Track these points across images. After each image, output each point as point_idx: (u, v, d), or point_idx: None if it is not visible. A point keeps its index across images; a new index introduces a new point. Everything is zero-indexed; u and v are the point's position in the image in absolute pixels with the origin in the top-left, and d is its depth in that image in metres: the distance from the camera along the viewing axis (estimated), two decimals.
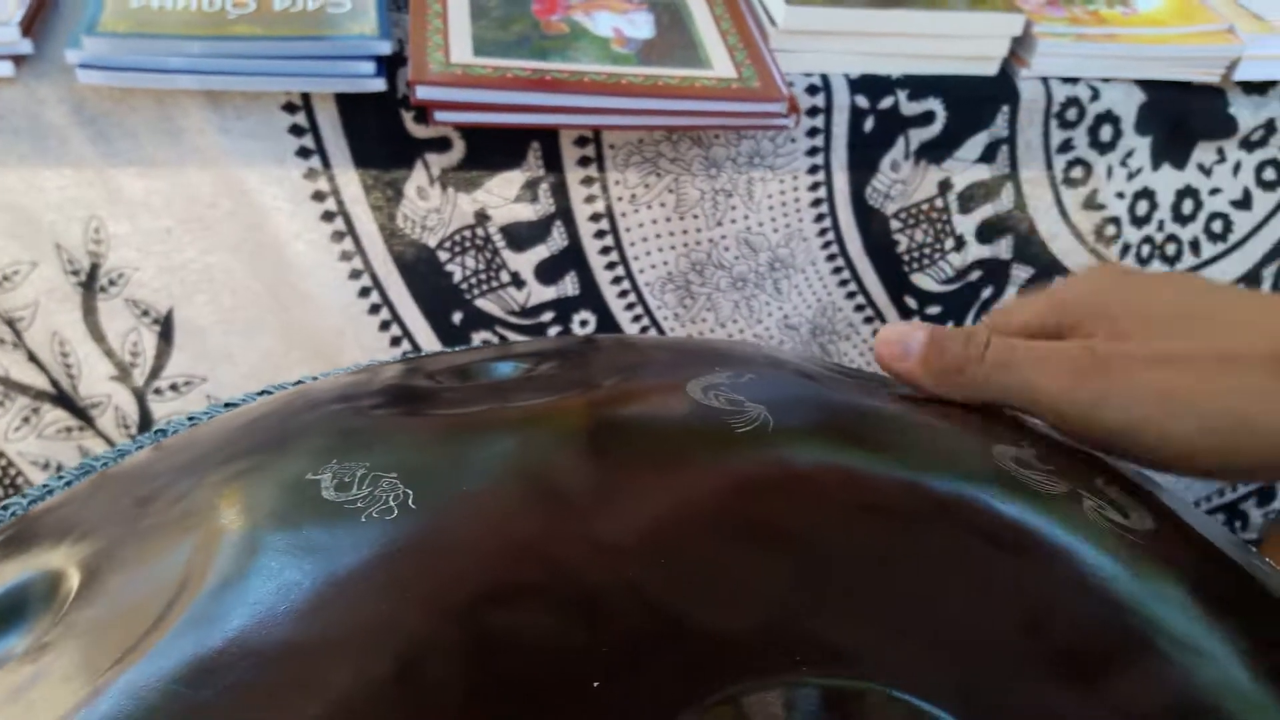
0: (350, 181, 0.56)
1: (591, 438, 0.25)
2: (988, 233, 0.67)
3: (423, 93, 0.50)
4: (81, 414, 0.61)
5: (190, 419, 0.32)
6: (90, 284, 0.56)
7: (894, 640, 0.18)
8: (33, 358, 0.59)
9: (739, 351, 0.33)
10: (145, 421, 0.61)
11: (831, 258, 0.66)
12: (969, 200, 0.66)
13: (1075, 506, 0.24)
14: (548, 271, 0.62)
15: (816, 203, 0.64)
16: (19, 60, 0.49)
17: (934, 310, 0.68)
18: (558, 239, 0.61)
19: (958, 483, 0.24)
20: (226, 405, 0.33)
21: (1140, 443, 0.27)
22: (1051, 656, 0.18)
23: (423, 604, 0.19)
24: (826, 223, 0.65)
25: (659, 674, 0.17)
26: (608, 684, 0.17)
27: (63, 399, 0.61)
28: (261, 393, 0.34)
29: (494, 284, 0.62)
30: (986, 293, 0.70)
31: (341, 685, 0.17)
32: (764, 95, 0.54)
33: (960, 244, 0.67)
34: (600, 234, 0.62)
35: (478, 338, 0.65)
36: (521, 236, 0.61)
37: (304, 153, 0.55)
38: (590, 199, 0.60)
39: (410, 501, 0.22)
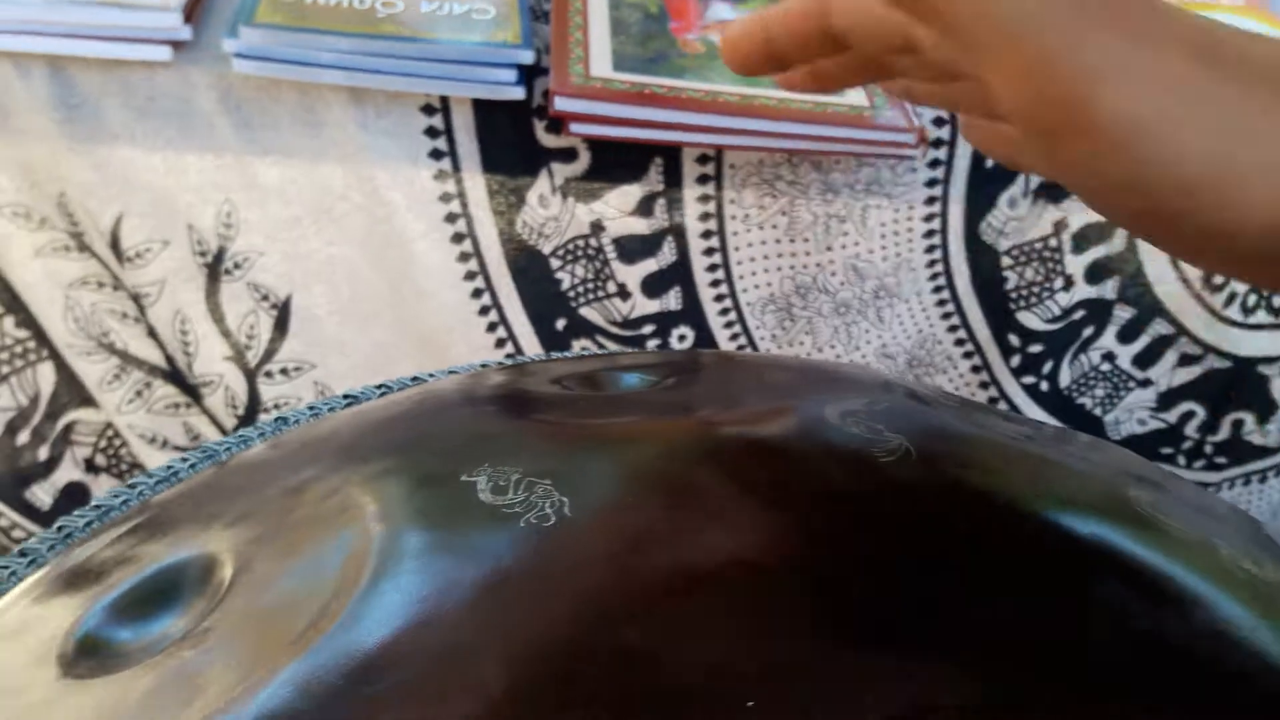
0: (477, 186, 0.57)
1: (740, 459, 0.25)
2: (1096, 273, 0.67)
3: (561, 104, 0.50)
4: (191, 391, 0.63)
5: (311, 410, 0.33)
6: (216, 266, 0.58)
7: (1040, 679, 0.18)
8: (152, 333, 0.60)
9: (856, 375, 0.33)
10: (253, 402, 0.62)
11: (938, 290, 0.66)
12: (1083, 241, 0.65)
13: (1213, 554, 0.24)
14: (654, 285, 0.63)
15: (929, 234, 0.64)
16: (178, 46, 0.51)
17: (1036, 349, 0.68)
18: (667, 254, 0.62)
19: (1098, 525, 0.24)
20: (345, 398, 0.34)
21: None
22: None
23: (578, 612, 0.19)
24: (937, 254, 0.65)
25: (815, 697, 0.18)
26: (761, 705, 0.17)
27: (175, 375, 0.63)
28: (380, 387, 0.35)
29: (600, 294, 0.63)
30: (1087, 332, 0.69)
31: (500, 688, 0.18)
32: (894, 125, 0.54)
33: (1069, 284, 0.66)
34: (709, 251, 0.62)
35: (577, 345, 0.65)
36: (633, 249, 0.61)
37: (436, 154, 0.56)
38: (704, 216, 0.61)
39: (566, 510, 0.22)
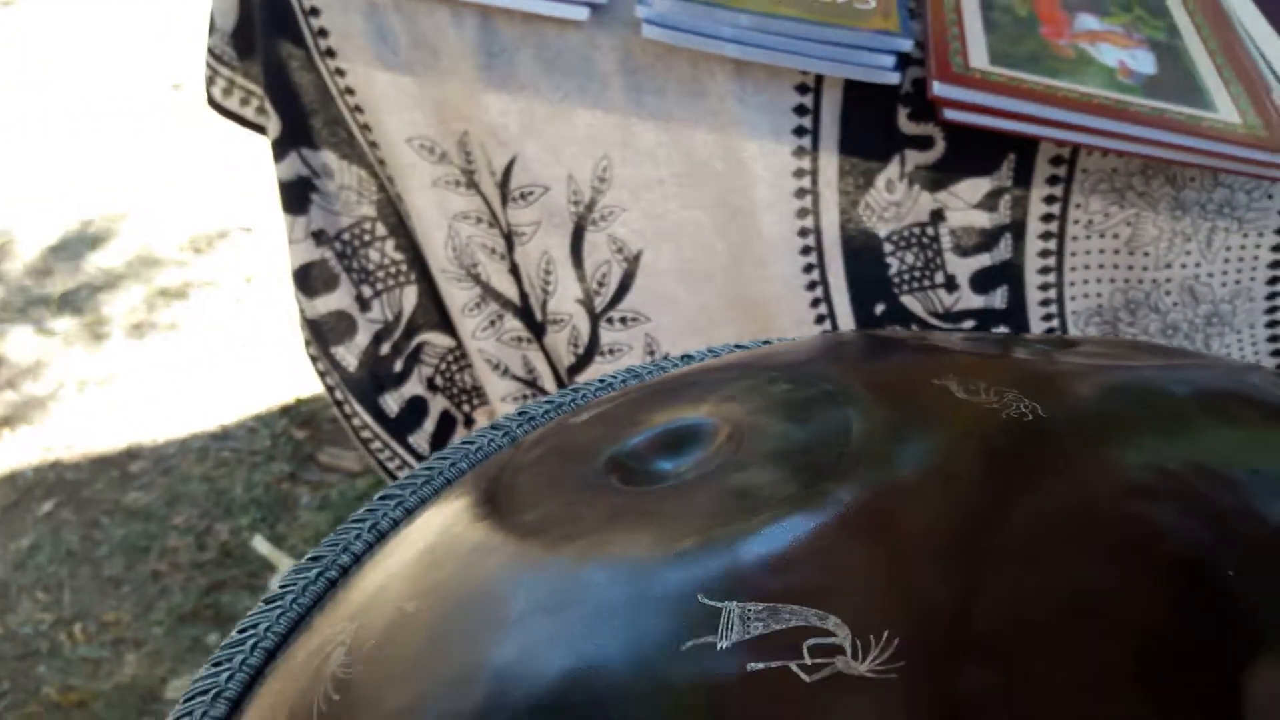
0: (830, 165, 0.61)
1: None
2: None
3: (940, 89, 0.53)
4: (537, 328, 0.69)
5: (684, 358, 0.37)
6: (585, 215, 0.64)
7: None
8: (513, 270, 0.67)
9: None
10: (593, 344, 0.68)
11: (1273, 324, 0.65)
12: None
13: None
14: (982, 280, 0.64)
15: (1274, 265, 0.63)
16: (595, 7, 0.57)
17: None
18: (1002, 250, 0.63)
19: None
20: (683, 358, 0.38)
21: None
22: None
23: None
24: (1279, 287, 0.63)
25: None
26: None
27: (525, 312, 0.69)
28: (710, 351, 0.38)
29: (926, 283, 0.65)
30: None
31: None
32: (1267, 144, 0.54)
33: None
34: (1045, 253, 0.63)
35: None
36: (969, 242, 0.63)
37: (799, 131, 0.60)
38: (1047, 218, 0.62)
39: (1040, 411, 0.24)
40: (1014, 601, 0.18)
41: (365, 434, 0.74)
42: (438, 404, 0.77)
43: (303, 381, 1.23)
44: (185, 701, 0.26)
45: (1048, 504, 0.21)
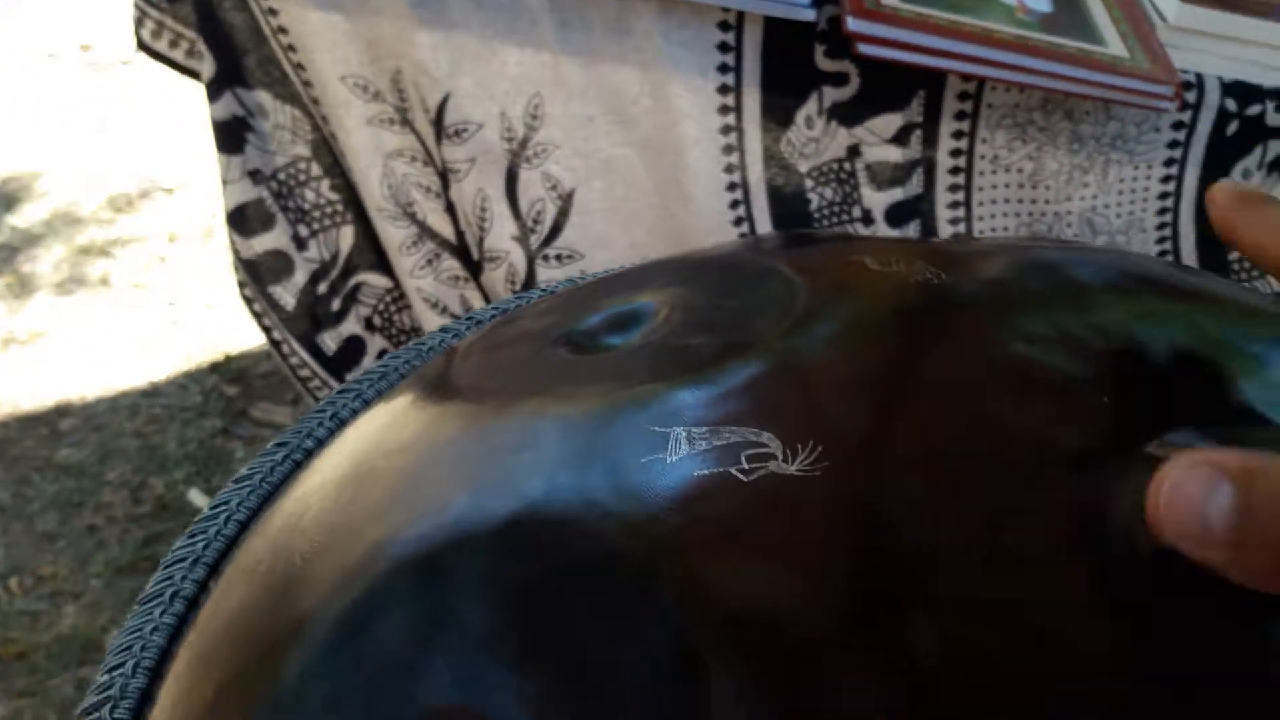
0: (753, 102, 0.64)
1: None
2: None
3: (854, 25, 0.56)
4: (473, 266, 0.71)
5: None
6: (519, 153, 0.66)
7: None
8: (449, 209, 0.69)
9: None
10: (529, 281, 0.70)
11: (1164, 254, 0.69)
12: None
13: None
14: (896, 214, 0.68)
15: (1163, 196, 0.67)
16: None
17: None
18: (914, 185, 0.67)
19: None
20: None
21: None
22: None
23: None
24: (1167, 218, 0.68)
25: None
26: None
27: (461, 250, 0.71)
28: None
29: (844, 217, 0.68)
30: None
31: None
32: (1154, 76, 0.58)
33: None
34: (954, 188, 0.67)
35: None
36: (883, 177, 0.67)
37: (723, 69, 0.63)
38: (955, 153, 0.66)
39: (944, 276, 0.27)
40: (924, 427, 0.21)
41: (304, 373, 0.76)
42: (376, 343, 0.78)
43: (232, 338, 1.23)
44: (165, 568, 0.28)
45: (952, 348, 0.24)
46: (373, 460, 0.26)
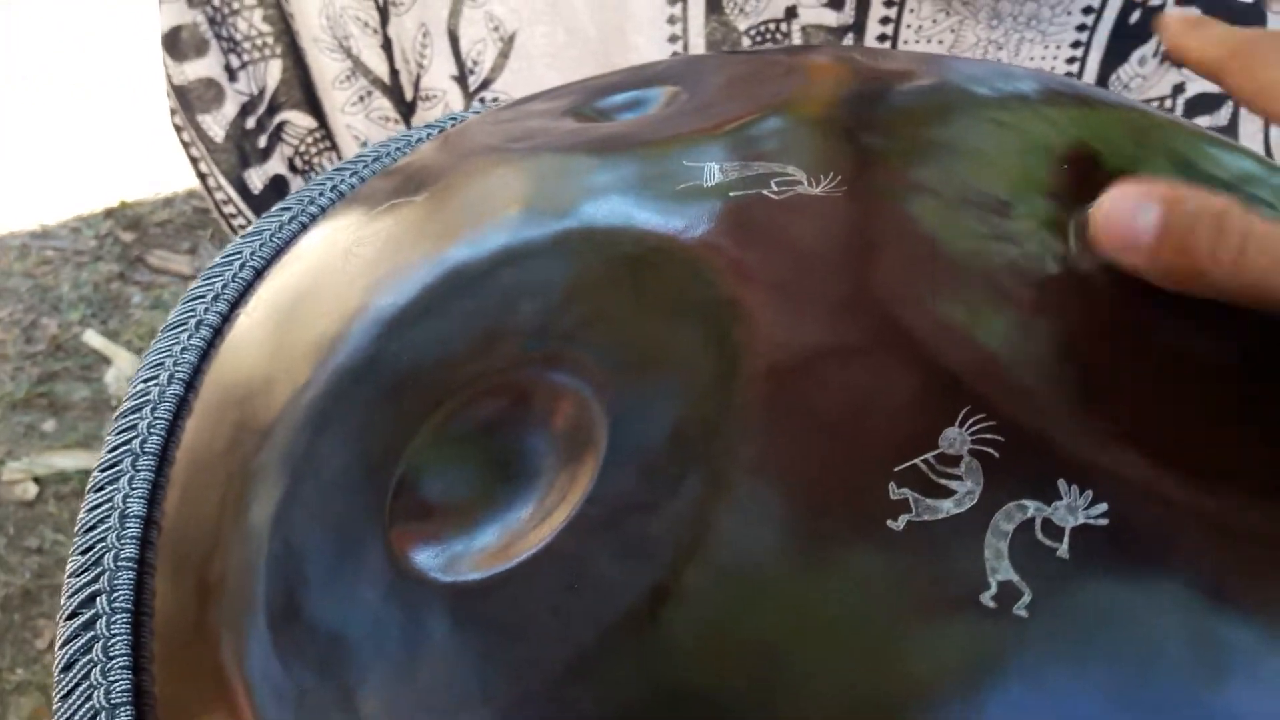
0: None
1: None
2: None
3: None
4: (406, 106, 0.71)
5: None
6: None
7: None
8: (386, 45, 0.69)
9: None
10: None
11: None
12: (1194, 107, 0.74)
13: None
14: None
15: (1066, 75, 0.72)
16: None
17: None
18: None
19: None
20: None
21: None
22: None
23: None
24: None
25: None
26: None
27: (394, 90, 0.71)
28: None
29: None
30: None
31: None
32: None
33: None
34: None
35: None
36: (816, 41, 0.69)
37: None
38: (885, 20, 0.69)
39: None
40: (925, 172, 0.25)
41: (229, 209, 0.75)
42: (297, 185, 0.78)
43: (128, 185, 1.19)
44: (185, 303, 0.28)
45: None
46: (406, 197, 0.28)
